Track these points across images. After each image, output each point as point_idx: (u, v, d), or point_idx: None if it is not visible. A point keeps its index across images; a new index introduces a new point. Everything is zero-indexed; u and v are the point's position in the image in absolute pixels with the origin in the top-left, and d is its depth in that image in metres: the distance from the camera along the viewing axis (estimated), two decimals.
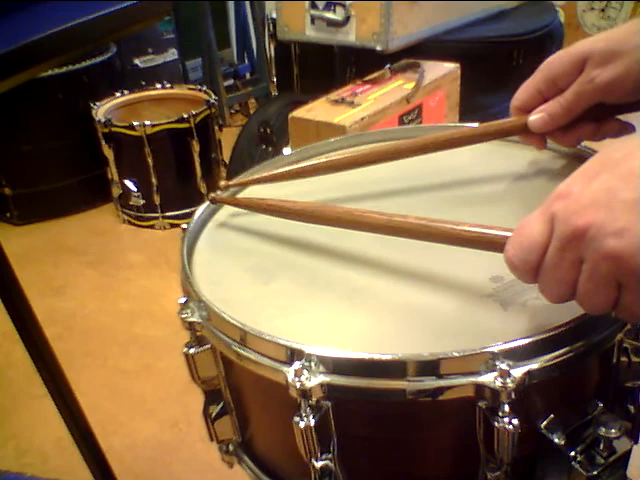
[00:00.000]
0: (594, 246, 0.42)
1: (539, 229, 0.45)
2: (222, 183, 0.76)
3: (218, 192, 0.76)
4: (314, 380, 0.48)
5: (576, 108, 0.64)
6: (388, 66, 1.81)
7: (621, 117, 0.67)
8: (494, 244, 0.50)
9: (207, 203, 0.74)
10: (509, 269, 0.47)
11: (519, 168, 0.74)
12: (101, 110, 2.37)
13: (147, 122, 2.22)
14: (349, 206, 0.65)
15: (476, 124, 0.74)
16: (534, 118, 0.66)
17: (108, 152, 2.32)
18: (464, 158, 0.77)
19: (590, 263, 0.42)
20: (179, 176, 2.38)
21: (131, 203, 2.38)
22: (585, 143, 0.70)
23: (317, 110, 1.62)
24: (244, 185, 0.78)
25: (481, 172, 0.75)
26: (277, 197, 0.75)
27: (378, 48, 1.87)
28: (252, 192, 0.78)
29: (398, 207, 0.69)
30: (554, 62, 0.64)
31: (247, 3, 3.27)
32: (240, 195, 0.78)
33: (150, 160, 2.27)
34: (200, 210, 0.72)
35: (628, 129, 0.66)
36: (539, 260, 0.45)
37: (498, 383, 0.46)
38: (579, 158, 0.72)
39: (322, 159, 0.76)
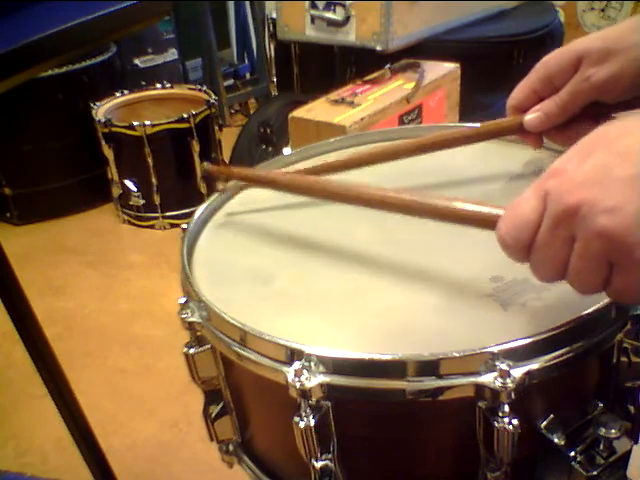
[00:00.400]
0: (586, 224, 0.41)
1: (532, 206, 0.44)
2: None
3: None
4: (314, 380, 0.48)
5: (572, 107, 0.64)
6: (388, 66, 1.81)
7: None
8: (486, 221, 0.49)
9: (205, 205, 0.73)
10: (501, 247, 0.46)
11: (516, 167, 0.74)
12: (101, 110, 2.37)
13: (147, 122, 2.22)
14: (351, 206, 0.65)
15: (476, 124, 0.74)
16: (530, 117, 0.66)
17: (108, 152, 2.32)
18: (461, 158, 0.77)
19: (581, 241, 0.42)
20: (179, 176, 2.38)
21: (131, 203, 2.38)
22: None
23: (317, 110, 1.62)
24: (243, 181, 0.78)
25: (478, 171, 0.75)
26: (275, 196, 0.75)
27: (378, 48, 1.87)
28: (251, 191, 0.78)
29: None
30: (550, 61, 0.64)
31: (247, 3, 3.27)
32: (239, 196, 0.78)
33: (150, 160, 2.27)
34: (200, 210, 0.72)
35: None
36: (531, 238, 0.44)
37: (498, 383, 0.46)
38: None
39: (320, 161, 0.76)
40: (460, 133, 0.74)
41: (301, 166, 0.78)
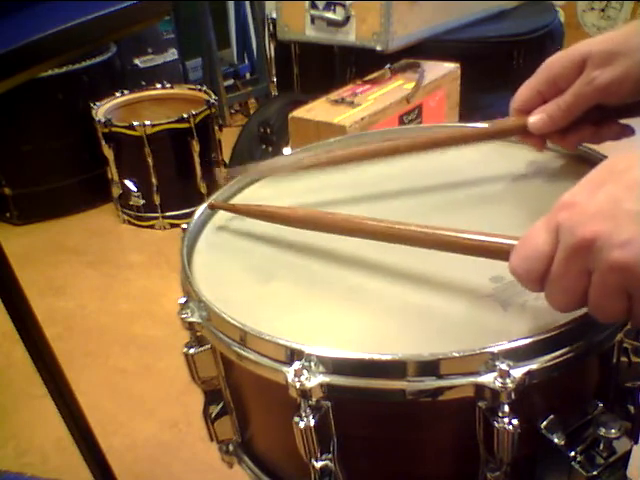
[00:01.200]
0: (601, 257, 0.42)
1: (544, 239, 0.45)
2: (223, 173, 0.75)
3: (223, 171, 0.75)
4: (314, 380, 0.48)
5: (575, 109, 0.64)
6: (388, 66, 1.81)
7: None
8: (498, 253, 0.50)
9: (205, 205, 0.73)
10: (515, 279, 0.48)
11: (519, 168, 0.74)
12: (101, 110, 2.37)
13: (147, 122, 2.22)
14: (347, 208, 0.65)
15: (478, 124, 0.74)
16: (534, 120, 0.66)
17: (108, 152, 2.32)
18: (464, 158, 0.77)
19: (598, 274, 0.43)
20: (179, 176, 2.38)
21: (131, 203, 2.38)
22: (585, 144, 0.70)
23: (317, 110, 1.62)
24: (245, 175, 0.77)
25: (480, 172, 0.75)
26: (273, 196, 0.75)
27: (378, 48, 1.88)
28: (250, 192, 0.78)
29: (397, 208, 0.70)
30: (554, 63, 0.64)
31: (247, 3, 3.28)
32: (238, 196, 0.78)
33: (150, 160, 2.27)
34: (200, 210, 0.72)
35: (627, 132, 0.66)
36: (545, 270, 0.45)
37: (498, 383, 0.46)
38: (579, 158, 0.72)
39: (323, 155, 0.76)
40: (463, 133, 0.74)
41: (303, 156, 0.78)
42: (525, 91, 0.67)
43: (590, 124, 0.66)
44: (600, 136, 0.66)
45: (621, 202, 0.42)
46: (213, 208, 0.73)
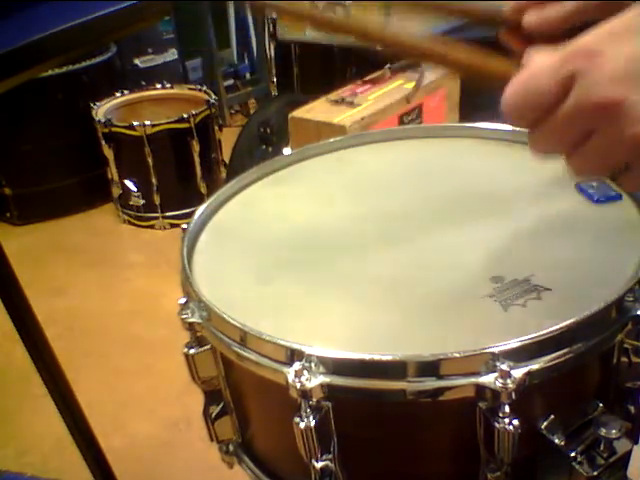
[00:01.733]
0: (617, 127, 0.37)
1: (551, 82, 0.39)
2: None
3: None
4: (314, 381, 0.48)
5: (573, 20, 0.59)
6: (388, 66, 1.81)
7: None
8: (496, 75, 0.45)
9: (205, 205, 0.73)
10: (504, 107, 0.41)
11: (520, 167, 0.74)
12: (101, 110, 2.37)
13: (147, 122, 2.22)
14: (349, 208, 0.64)
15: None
16: (531, 17, 0.58)
17: (108, 152, 2.32)
18: (465, 158, 0.77)
19: (606, 139, 0.38)
20: (179, 176, 2.38)
21: (131, 203, 2.38)
22: None
23: (317, 110, 1.62)
24: None
25: (482, 171, 0.74)
26: (273, 196, 0.75)
27: (378, 48, 1.87)
28: (250, 191, 0.78)
29: (401, 205, 0.70)
30: None
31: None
32: (238, 196, 0.77)
33: (150, 160, 2.27)
34: (200, 210, 0.72)
35: None
36: (541, 113, 0.40)
37: (498, 384, 0.46)
38: None
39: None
40: (444, 5, 0.69)
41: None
42: None
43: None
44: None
45: None
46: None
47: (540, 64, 0.40)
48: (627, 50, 0.36)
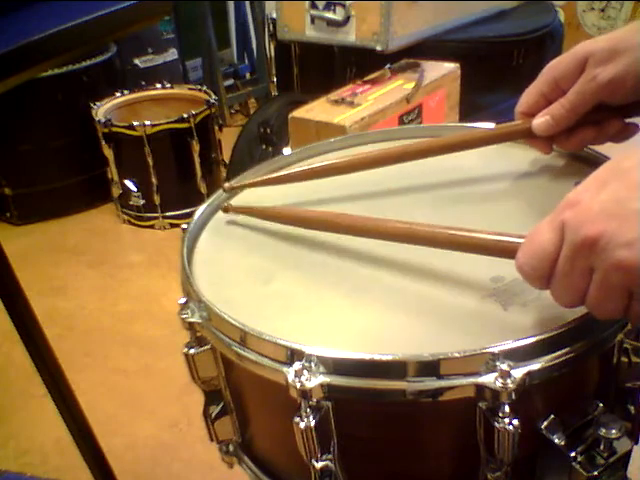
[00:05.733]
0: (604, 256, 0.42)
1: (549, 237, 0.46)
2: (226, 185, 0.75)
3: (223, 192, 0.75)
4: (314, 380, 0.48)
5: (579, 109, 0.64)
6: (388, 66, 1.81)
7: None
8: (505, 251, 0.51)
9: (205, 205, 0.73)
10: (521, 276, 0.48)
11: (521, 168, 0.74)
12: (101, 110, 2.37)
13: (147, 122, 2.22)
14: (348, 207, 0.64)
15: (482, 124, 0.74)
16: (538, 122, 0.66)
17: (108, 152, 2.32)
18: (465, 157, 0.77)
19: (601, 272, 0.43)
20: (179, 176, 2.38)
21: (131, 203, 2.38)
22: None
23: (317, 110, 1.62)
24: (248, 187, 0.77)
25: (483, 172, 0.75)
26: (278, 196, 0.75)
27: (378, 48, 1.87)
28: (252, 191, 0.78)
29: (401, 207, 0.70)
30: (557, 64, 0.64)
31: (247, 3, 3.27)
32: (239, 196, 0.78)
33: (150, 160, 2.27)
34: (200, 210, 0.72)
35: (631, 130, 0.66)
36: (550, 268, 0.46)
37: (499, 384, 0.46)
38: (581, 158, 0.72)
39: (327, 162, 0.76)
40: (466, 137, 0.73)
41: (303, 165, 0.78)
42: (529, 94, 0.67)
43: (594, 124, 0.66)
44: (603, 136, 0.66)
45: (626, 201, 0.42)
46: (227, 211, 0.73)
47: (538, 226, 0.47)
48: (601, 197, 0.43)
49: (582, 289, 0.45)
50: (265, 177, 0.76)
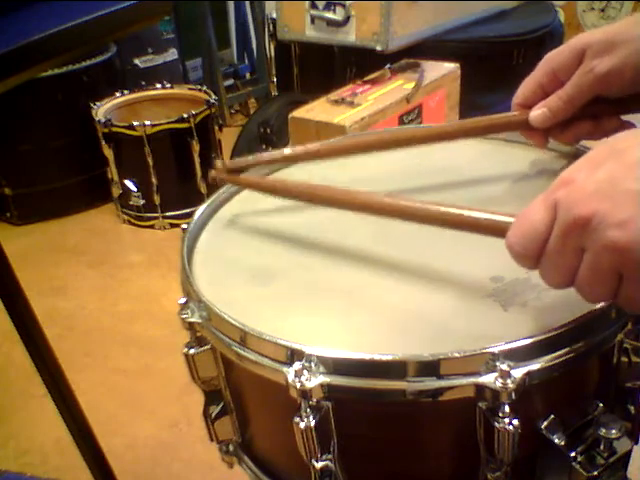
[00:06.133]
0: (596, 236, 0.41)
1: (541, 216, 0.45)
2: (218, 163, 0.75)
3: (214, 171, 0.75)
4: (314, 380, 0.48)
5: (576, 101, 0.63)
6: (388, 66, 1.81)
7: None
8: (497, 229, 0.49)
9: (205, 205, 0.73)
10: (510, 255, 0.47)
11: (520, 168, 0.74)
12: (101, 110, 2.37)
13: (147, 122, 2.22)
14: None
15: (480, 118, 0.74)
16: (535, 113, 0.66)
17: (108, 152, 2.32)
18: (464, 157, 0.77)
19: (592, 253, 0.42)
20: (179, 176, 2.38)
21: (131, 203, 2.38)
22: (585, 142, 0.70)
23: (317, 110, 1.62)
24: (243, 169, 0.77)
25: (481, 171, 0.74)
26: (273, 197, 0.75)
27: (378, 48, 1.88)
28: (250, 192, 0.78)
29: None
30: (554, 56, 0.64)
31: (247, 3, 3.27)
32: (238, 196, 0.77)
33: (150, 160, 2.27)
34: (200, 210, 0.72)
35: (627, 127, 0.66)
36: (540, 247, 0.45)
37: (498, 384, 0.46)
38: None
39: (317, 145, 0.75)
40: (464, 126, 0.73)
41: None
42: (527, 85, 0.67)
43: (590, 119, 0.65)
44: (601, 131, 0.66)
45: (620, 181, 0.41)
46: (215, 181, 0.72)
47: (531, 205, 0.46)
48: (596, 176, 0.42)
49: (572, 269, 0.44)
50: (257, 157, 0.75)
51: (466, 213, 0.52)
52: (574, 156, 0.72)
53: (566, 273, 0.44)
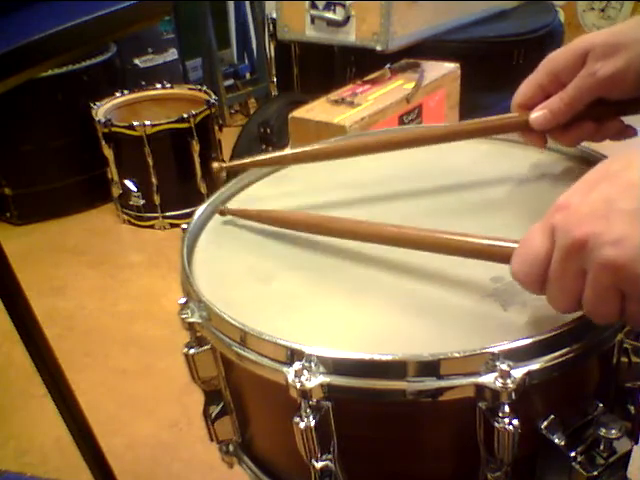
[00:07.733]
0: (593, 256, 0.42)
1: (540, 242, 0.45)
2: (215, 165, 0.75)
3: (215, 165, 0.76)
4: (314, 380, 0.48)
5: (577, 103, 0.63)
6: (388, 66, 1.81)
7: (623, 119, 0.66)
8: (501, 256, 0.50)
9: (205, 205, 0.73)
10: (517, 283, 0.48)
11: (521, 170, 0.73)
12: (101, 110, 2.37)
13: (147, 122, 2.22)
14: (348, 209, 0.64)
15: (479, 119, 0.74)
16: (535, 115, 0.65)
17: (108, 152, 2.32)
18: (465, 160, 0.77)
19: (591, 273, 0.43)
20: (179, 176, 2.38)
21: (131, 203, 2.38)
22: (587, 144, 0.69)
23: (317, 110, 1.62)
24: (241, 167, 0.77)
25: (483, 174, 0.74)
26: (273, 196, 0.75)
27: (378, 48, 1.88)
28: (251, 190, 0.78)
29: (399, 209, 0.70)
30: (556, 57, 0.64)
31: (247, 3, 3.27)
32: (239, 196, 0.78)
33: (150, 160, 2.27)
34: (200, 210, 0.72)
35: (629, 132, 0.66)
36: (543, 273, 0.46)
37: (498, 384, 0.46)
38: (582, 160, 0.72)
39: (314, 146, 0.75)
40: (463, 127, 0.73)
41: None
42: (527, 86, 0.66)
43: (592, 121, 0.65)
44: (602, 133, 0.66)
45: (614, 202, 0.42)
46: (223, 214, 0.73)
47: (530, 231, 0.47)
48: (590, 198, 0.43)
49: (576, 293, 0.44)
50: (255, 159, 0.75)
51: (470, 240, 0.53)
52: (576, 157, 0.73)
53: (571, 296, 0.45)
